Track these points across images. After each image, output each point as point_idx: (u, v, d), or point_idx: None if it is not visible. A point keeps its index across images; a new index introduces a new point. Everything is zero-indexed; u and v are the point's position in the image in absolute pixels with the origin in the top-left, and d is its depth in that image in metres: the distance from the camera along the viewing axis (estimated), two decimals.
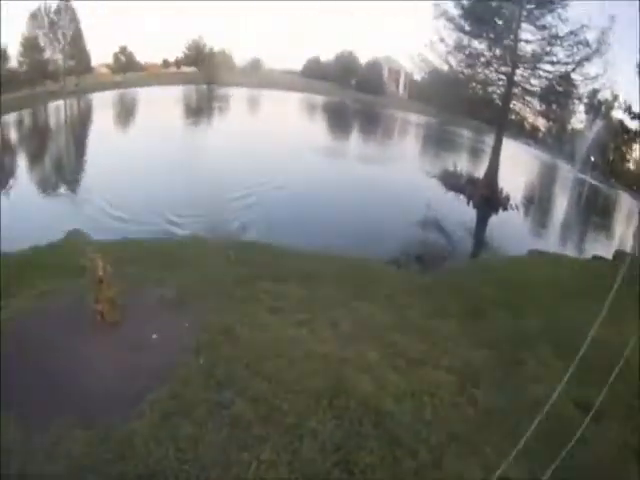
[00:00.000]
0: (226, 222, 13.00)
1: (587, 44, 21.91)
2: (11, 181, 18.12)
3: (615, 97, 38.06)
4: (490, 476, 4.89)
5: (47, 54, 42.33)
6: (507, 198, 23.69)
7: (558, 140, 42.88)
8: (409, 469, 4.42)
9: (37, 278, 7.58)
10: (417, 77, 45.00)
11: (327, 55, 64.57)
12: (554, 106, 26.65)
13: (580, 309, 10.64)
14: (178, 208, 14.02)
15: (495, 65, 24.57)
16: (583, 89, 24.44)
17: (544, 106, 26.18)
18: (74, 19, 43.59)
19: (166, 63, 61.00)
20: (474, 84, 25.69)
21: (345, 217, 14.92)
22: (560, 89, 24.24)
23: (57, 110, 38.50)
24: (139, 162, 20.14)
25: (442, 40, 24.24)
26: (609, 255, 21.19)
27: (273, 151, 23.03)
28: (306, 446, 4.31)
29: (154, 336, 5.99)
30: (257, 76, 57.04)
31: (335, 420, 4.68)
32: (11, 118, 32.02)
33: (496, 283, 10.83)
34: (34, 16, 40.83)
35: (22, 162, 23.32)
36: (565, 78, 23.46)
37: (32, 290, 7.05)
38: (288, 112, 44.32)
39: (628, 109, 21.72)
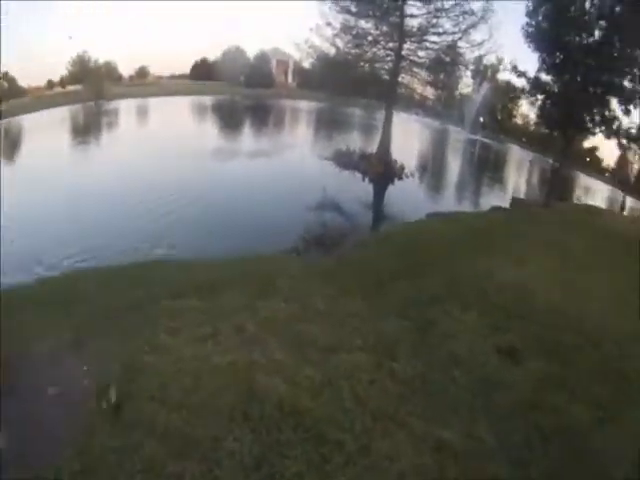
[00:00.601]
0: (129, 246, 11.97)
1: (472, 13, 23.26)
2: None
3: (500, 60, 40.93)
4: (422, 446, 5.02)
5: None
6: (402, 168, 24.57)
7: (447, 106, 45.53)
8: (338, 464, 4.31)
9: None
10: (306, 64, 45.17)
11: (214, 54, 62.72)
12: (441, 75, 27.97)
13: (482, 259, 11.42)
14: (68, 243, 12.64)
15: (382, 42, 25.16)
16: (469, 56, 25.91)
17: (432, 76, 27.35)
18: None
19: (50, 84, 55.80)
20: (362, 63, 26.13)
21: (245, 216, 14.53)
22: (447, 58, 25.42)
23: None
24: (29, 199, 17.97)
25: (329, 24, 24.39)
26: (506, 204, 23.07)
27: (166, 162, 21.81)
28: (225, 470, 4.02)
29: (52, 390, 5.34)
30: (145, 85, 54.24)
31: (252, 434, 4.42)
32: None
33: (397, 252, 11.07)
34: None
35: None
36: (452, 47, 24.65)
37: None
38: (177, 118, 42.41)
39: (514, 68, 23.48)
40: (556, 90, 22.37)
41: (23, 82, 51.25)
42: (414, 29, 24.44)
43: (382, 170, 23.50)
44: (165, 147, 25.28)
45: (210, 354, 5.69)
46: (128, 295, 7.44)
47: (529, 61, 23.21)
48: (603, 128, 22.49)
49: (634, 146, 26.14)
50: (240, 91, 53.30)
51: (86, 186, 18.32)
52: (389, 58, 25.30)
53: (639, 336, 8.83)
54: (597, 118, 22.18)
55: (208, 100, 50.76)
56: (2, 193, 16.51)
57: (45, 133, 36.32)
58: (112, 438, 4.45)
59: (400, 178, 23.93)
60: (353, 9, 24.24)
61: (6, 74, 48.78)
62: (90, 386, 5.28)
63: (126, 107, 48.69)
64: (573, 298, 9.97)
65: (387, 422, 5.11)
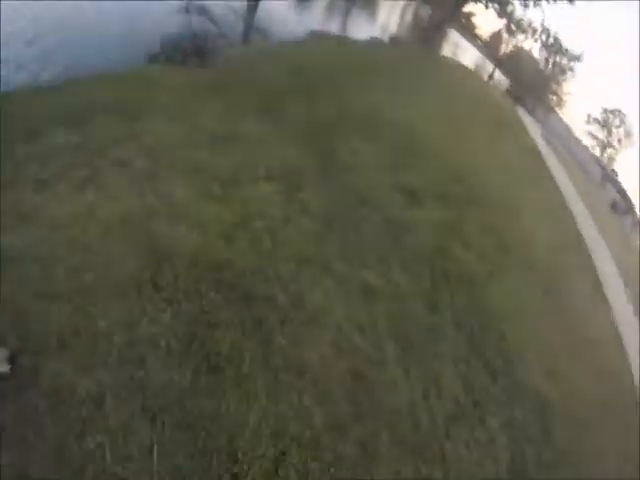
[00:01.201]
0: None
1: None
2: None
3: None
4: (351, 292, 4.54)
5: None
6: None
7: None
8: (273, 324, 3.56)
9: None
10: None
11: None
12: None
13: (373, 92, 10.73)
14: None
15: None
16: None
17: None
18: None
19: None
20: None
21: (100, 23, 10.26)
22: None
23: None
24: None
25: None
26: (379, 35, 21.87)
27: None
28: (152, 365, 2.86)
29: None
30: None
31: (169, 306, 3.25)
32: None
33: (287, 71, 9.55)
34: None
35: None
36: None
37: None
38: None
39: None
40: None
41: None
42: None
43: None
44: None
45: (94, 206, 3.84)
46: None
47: None
48: (497, 6, 23.17)
49: (520, 36, 27.13)
50: None
51: None
52: None
53: (517, 203, 9.75)
54: None
55: None
56: None
57: None
58: None
59: None
60: None
61: None
62: None
63: None
64: (459, 149, 10.19)
65: (312, 267, 4.46)
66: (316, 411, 3.15)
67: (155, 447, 2.51)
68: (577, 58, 37.56)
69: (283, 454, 2.80)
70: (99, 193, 4.01)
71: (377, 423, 3.38)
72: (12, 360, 2.63)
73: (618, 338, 9.26)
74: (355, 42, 17.00)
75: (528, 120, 24.42)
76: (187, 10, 13.00)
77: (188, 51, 9.64)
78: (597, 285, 10.94)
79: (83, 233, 3.59)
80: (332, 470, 2.89)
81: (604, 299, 10.45)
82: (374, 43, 18.28)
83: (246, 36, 14.34)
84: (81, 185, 4.10)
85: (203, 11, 13.44)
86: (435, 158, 8.87)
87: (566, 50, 37.14)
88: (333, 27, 19.56)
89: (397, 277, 5.16)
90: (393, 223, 6.10)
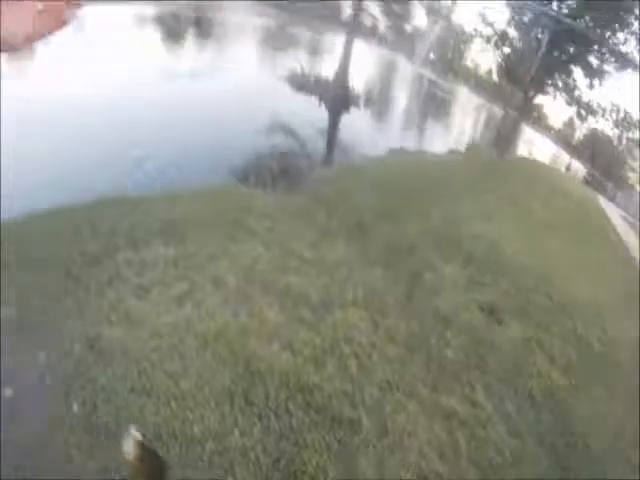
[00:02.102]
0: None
1: None
2: None
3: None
4: (434, 417, 4.59)
5: None
6: (358, 96, 23.17)
7: (399, 38, 44.03)
8: (357, 448, 3.88)
9: None
10: None
11: None
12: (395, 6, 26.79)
13: (452, 207, 11.20)
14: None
15: None
16: None
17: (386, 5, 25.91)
18: None
19: None
20: None
21: (194, 143, 12.05)
22: None
23: None
24: None
25: None
26: (455, 145, 23.15)
27: (107, 90, 15.90)
28: (241, 474, 3.35)
29: (8, 392, 3.75)
30: None
31: (260, 422, 3.77)
32: None
33: (370, 189, 10.37)
34: None
35: None
36: None
37: None
38: (115, 32, 34.16)
39: (483, 17, 24.93)
40: (521, 46, 22.66)
41: None
42: None
43: (340, 96, 21.72)
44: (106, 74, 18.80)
45: (192, 319, 4.70)
46: (81, 246, 5.61)
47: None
48: (564, 94, 23.33)
49: (591, 119, 27.22)
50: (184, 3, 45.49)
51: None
52: None
53: (599, 303, 9.26)
54: (559, 84, 22.95)
55: (149, 11, 42.31)
56: None
57: None
58: (91, 452, 3.31)
59: (357, 106, 22.50)
60: None
61: None
62: (51, 379, 3.87)
63: None
64: (539, 258, 10.06)
65: (396, 393, 4.75)
66: None
67: None
68: None
69: None
70: (195, 308, 4.83)
71: None
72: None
73: None
74: (433, 155, 18.20)
75: (610, 209, 23.08)
76: (273, 131, 14.64)
77: (275, 172, 11.09)
78: None
79: (181, 343, 4.35)
80: None
81: None
82: (451, 154, 19.46)
83: (329, 153, 15.95)
84: (179, 298, 4.97)
85: (290, 132, 15.21)
86: (514, 270, 8.86)
87: (638, 122, 35.55)
88: (410, 140, 21.21)
89: (481, 401, 5.22)
90: (476, 343, 6.24)
